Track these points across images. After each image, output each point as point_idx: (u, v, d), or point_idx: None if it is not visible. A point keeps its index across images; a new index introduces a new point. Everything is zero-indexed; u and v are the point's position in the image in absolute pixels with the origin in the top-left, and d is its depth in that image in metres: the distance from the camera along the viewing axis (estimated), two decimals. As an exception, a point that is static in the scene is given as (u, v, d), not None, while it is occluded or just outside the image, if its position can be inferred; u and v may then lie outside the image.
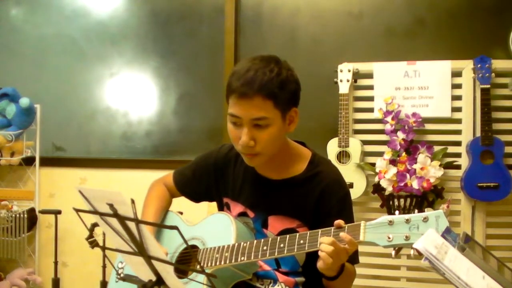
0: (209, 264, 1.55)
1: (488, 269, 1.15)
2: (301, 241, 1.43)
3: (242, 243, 1.52)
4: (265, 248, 1.48)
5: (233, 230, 1.56)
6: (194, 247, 1.64)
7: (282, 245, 1.46)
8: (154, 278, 1.26)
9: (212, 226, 1.66)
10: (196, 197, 1.86)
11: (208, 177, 1.78)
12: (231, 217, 1.61)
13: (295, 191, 1.63)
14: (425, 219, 1.28)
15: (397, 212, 1.38)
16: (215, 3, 3.33)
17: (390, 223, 1.32)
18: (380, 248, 1.34)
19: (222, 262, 1.52)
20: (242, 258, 1.50)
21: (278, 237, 1.48)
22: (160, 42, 3.45)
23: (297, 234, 1.46)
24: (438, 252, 1.09)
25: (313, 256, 1.59)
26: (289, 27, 3.24)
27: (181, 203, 1.92)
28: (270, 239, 1.50)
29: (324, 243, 1.37)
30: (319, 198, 1.60)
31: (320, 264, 1.40)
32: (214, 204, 1.88)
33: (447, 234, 1.20)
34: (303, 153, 1.68)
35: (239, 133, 1.53)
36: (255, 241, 1.51)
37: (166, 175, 1.91)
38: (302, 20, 3.21)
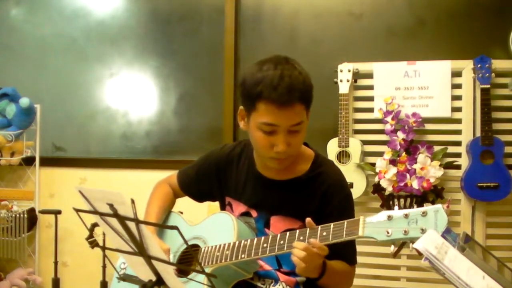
0: (210, 263, 1.55)
1: (488, 269, 1.15)
2: (301, 238, 1.43)
3: (243, 241, 1.52)
4: (265, 245, 1.48)
5: (234, 229, 1.56)
6: (196, 246, 1.65)
7: (282, 242, 1.46)
8: (154, 278, 1.26)
9: (213, 226, 1.66)
10: (199, 197, 1.87)
11: (211, 176, 1.78)
12: (233, 217, 1.61)
13: (298, 191, 1.63)
14: (424, 214, 1.28)
15: (396, 207, 1.39)
16: (215, 3, 3.33)
17: (389, 218, 1.32)
18: (380, 248, 1.35)
19: (223, 260, 1.53)
20: (243, 256, 1.50)
21: (278, 234, 1.49)
22: (160, 42, 3.45)
23: (297, 230, 1.46)
24: (438, 252, 1.09)
25: None
26: (289, 27, 3.24)
27: (181, 203, 1.92)
28: (270, 236, 1.50)
29: (297, 248, 1.39)
30: (321, 199, 1.61)
31: (296, 269, 1.43)
32: (214, 204, 1.89)
33: (447, 234, 1.20)
34: (306, 153, 1.69)
35: (272, 140, 1.52)
36: (255, 239, 1.51)
37: (170, 175, 1.92)
38: (302, 20, 3.21)
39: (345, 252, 1.60)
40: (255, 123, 1.52)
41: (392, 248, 1.30)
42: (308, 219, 1.44)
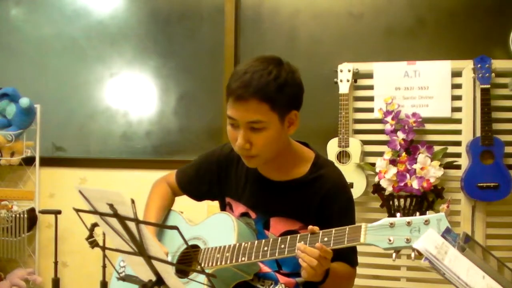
0: (210, 264, 1.55)
1: (488, 269, 1.15)
2: (302, 242, 1.43)
3: (243, 244, 1.52)
4: (265, 248, 1.48)
5: (234, 231, 1.56)
6: (196, 246, 1.64)
7: (282, 246, 1.45)
8: (154, 278, 1.26)
9: (214, 226, 1.65)
10: (198, 196, 1.86)
11: (211, 176, 1.77)
12: (233, 217, 1.61)
13: (297, 193, 1.62)
14: (427, 222, 1.28)
15: (398, 214, 1.38)
16: (215, 3, 3.33)
17: (391, 225, 1.31)
18: (380, 249, 1.34)
19: (223, 262, 1.52)
20: (243, 259, 1.50)
21: (279, 238, 1.48)
22: (160, 42, 3.45)
23: (298, 235, 1.45)
24: (438, 252, 1.09)
25: None
26: (289, 27, 3.24)
27: (181, 202, 1.92)
28: (271, 239, 1.49)
29: (310, 255, 1.37)
30: (321, 202, 1.60)
31: (303, 275, 1.41)
32: (213, 204, 1.88)
33: (447, 234, 1.20)
34: (306, 154, 1.67)
35: (236, 134, 1.52)
36: (256, 242, 1.51)
37: (168, 174, 1.91)
38: (302, 20, 3.21)
39: (346, 254, 1.58)
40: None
41: (394, 256, 1.31)
42: (310, 227, 1.43)
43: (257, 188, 1.67)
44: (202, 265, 1.56)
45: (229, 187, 1.74)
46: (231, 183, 1.73)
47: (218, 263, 1.53)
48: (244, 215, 1.69)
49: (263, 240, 1.50)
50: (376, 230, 1.33)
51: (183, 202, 1.92)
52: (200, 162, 1.83)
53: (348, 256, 1.61)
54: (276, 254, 1.46)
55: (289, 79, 1.50)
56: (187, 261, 1.71)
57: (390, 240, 1.31)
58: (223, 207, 1.79)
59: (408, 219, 1.30)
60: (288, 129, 1.56)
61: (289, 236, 1.47)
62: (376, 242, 1.33)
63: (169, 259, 1.68)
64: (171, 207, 1.88)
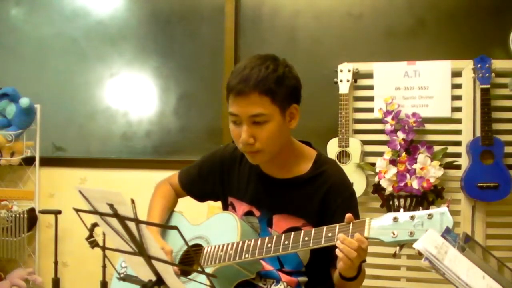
0: (213, 262, 1.55)
1: (488, 269, 1.15)
2: (306, 238, 1.43)
3: (246, 241, 1.52)
4: (269, 245, 1.48)
5: (238, 229, 1.56)
6: (199, 246, 1.64)
7: (286, 242, 1.46)
8: (154, 278, 1.27)
9: (216, 225, 1.66)
10: (201, 197, 1.87)
11: (214, 176, 1.78)
12: (236, 216, 1.61)
13: (299, 190, 1.63)
14: (430, 216, 1.29)
15: (401, 209, 1.39)
16: (215, 3, 3.33)
17: (395, 219, 1.33)
18: (380, 248, 1.35)
19: (226, 260, 1.52)
20: (246, 256, 1.50)
21: (283, 235, 1.48)
22: (160, 42, 3.45)
23: (302, 231, 1.46)
24: (438, 252, 1.09)
25: (318, 256, 1.60)
26: (289, 27, 3.24)
27: (181, 202, 1.92)
28: (274, 236, 1.50)
29: (349, 247, 1.35)
30: (324, 198, 1.60)
31: (340, 266, 1.40)
32: (214, 204, 1.88)
33: (447, 234, 1.20)
34: (308, 152, 1.69)
35: (239, 131, 1.54)
36: (259, 239, 1.51)
37: (171, 175, 1.91)
38: (302, 20, 3.21)
39: None
40: (228, 114, 1.57)
41: (398, 251, 1.31)
42: (348, 215, 1.40)
43: (260, 186, 1.68)
44: (205, 263, 1.56)
45: (232, 187, 1.74)
46: (234, 183, 1.74)
47: (221, 260, 1.53)
48: (247, 213, 1.69)
49: (267, 237, 1.50)
50: (380, 225, 1.34)
51: (184, 203, 1.92)
52: (202, 162, 1.83)
53: None
54: (280, 251, 1.46)
55: (286, 72, 1.54)
56: (190, 261, 1.71)
57: (394, 234, 1.32)
58: (225, 207, 1.79)
59: (411, 213, 1.31)
60: (289, 123, 1.58)
61: (292, 233, 1.47)
62: (380, 236, 1.34)
63: (173, 256, 1.68)
64: (174, 208, 1.88)
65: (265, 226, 1.66)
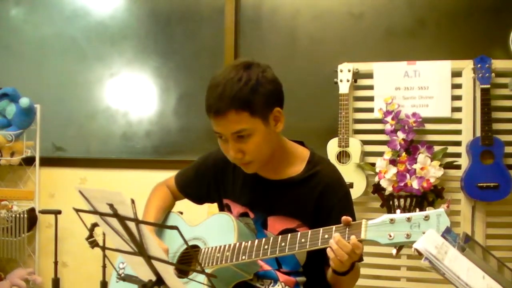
0: (210, 264, 1.55)
1: (488, 269, 1.15)
2: (303, 240, 1.43)
3: (243, 243, 1.52)
4: (266, 247, 1.48)
5: (234, 230, 1.56)
6: (196, 247, 1.64)
7: (283, 244, 1.45)
8: (154, 278, 1.26)
9: (213, 226, 1.66)
10: (198, 199, 1.86)
11: (209, 178, 1.78)
12: (233, 217, 1.61)
13: (294, 191, 1.62)
14: (427, 218, 1.29)
15: (398, 211, 1.38)
16: (215, 3, 3.33)
17: (392, 221, 1.32)
18: (380, 248, 1.35)
19: (223, 262, 1.52)
20: (243, 257, 1.50)
21: (280, 236, 1.48)
22: (160, 42, 3.45)
23: (298, 233, 1.46)
24: (438, 252, 1.09)
25: (314, 256, 1.60)
26: (289, 27, 3.24)
27: (181, 203, 1.92)
28: (271, 238, 1.50)
29: (341, 248, 1.36)
30: (319, 198, 1.59)
31: (331, 264, 1.41)
32: (214, 205, 1.88)
33: (447, 234, 1.20)
34: (301, 152, 1.68)
35: (227, 146, 1.54)
36: (256, 240, 1.51)
37: (168, 178, 1.91)
38: (302, 20, 3.21)
39: None
40: None
41: (395, 251, 1.30)
42: (344, 217, 1.40)
43: (255, 188, 1.67)
44: (202, 265, 1.56)
45: (227, 189, 1.74)
46: (229, 185, 1.73)
47: (218, 262, 1.53)
48: (242, 215, 1.69)
49: (264, 239, 1.50)
50: (377, 226, 1.34)
51: (184, 203, 1.92)
52: (198, 164, 1.83)
53: None
54: (277, 252, 1.46)
55: (260, 78, 1.50)
56: (187, 261, 1.71)
57: (390, 236, 1.32)
58: (221, 209, 1.79)
59: (408, 215, 1.31)
60: (275, 127, 1.56)
61: (289, 234, 1.47)
62: (377, 238, 1.34)
63: (170, 257, 1.68)
64: (171, 209, 1.87)
65: (260, 227, 1.66)
